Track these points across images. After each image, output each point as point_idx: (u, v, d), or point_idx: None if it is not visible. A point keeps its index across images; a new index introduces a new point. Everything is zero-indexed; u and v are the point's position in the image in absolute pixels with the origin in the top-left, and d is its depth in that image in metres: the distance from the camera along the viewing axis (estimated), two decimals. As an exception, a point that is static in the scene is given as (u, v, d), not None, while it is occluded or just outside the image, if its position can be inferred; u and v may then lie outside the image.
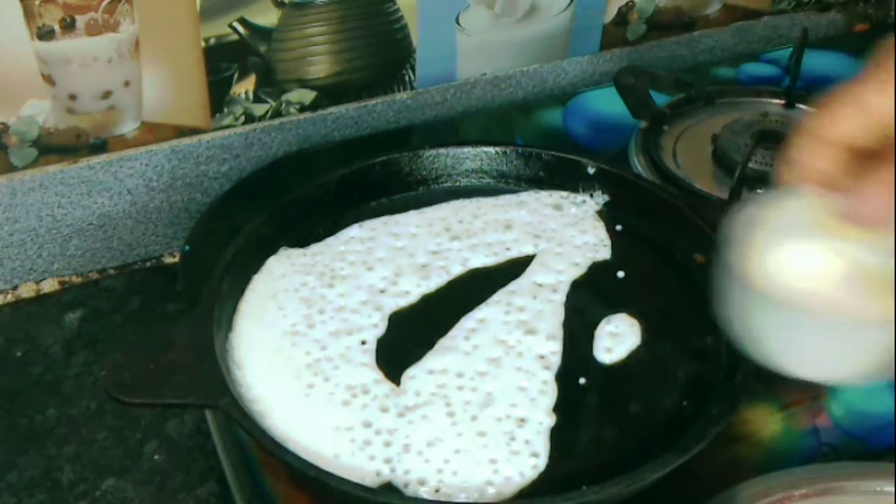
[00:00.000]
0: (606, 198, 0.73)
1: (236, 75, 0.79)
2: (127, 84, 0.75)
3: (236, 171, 0.82)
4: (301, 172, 0.75)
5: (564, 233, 0.70)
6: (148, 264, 0.82)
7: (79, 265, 0.80)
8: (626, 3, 0.91)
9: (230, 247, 0.66)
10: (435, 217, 0.72)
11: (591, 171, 0.73)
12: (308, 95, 0.83)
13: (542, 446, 0.57)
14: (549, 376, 0.61)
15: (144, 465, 0.67)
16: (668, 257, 0.69)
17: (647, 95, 0.84)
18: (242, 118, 0.81)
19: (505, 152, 0.75)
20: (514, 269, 0.68)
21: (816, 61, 0.93)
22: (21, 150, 0.74)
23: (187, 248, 0.71)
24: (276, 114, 0.82)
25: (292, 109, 0.83)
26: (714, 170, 0.82)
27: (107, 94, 0.75)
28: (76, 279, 0.80)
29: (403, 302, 0.65)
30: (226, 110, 0.80)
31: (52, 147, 0.75)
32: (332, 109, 0.84)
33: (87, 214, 0.78)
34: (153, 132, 0.78)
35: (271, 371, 0.61)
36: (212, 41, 0.76)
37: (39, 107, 0.73)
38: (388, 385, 0.60)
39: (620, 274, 0.68)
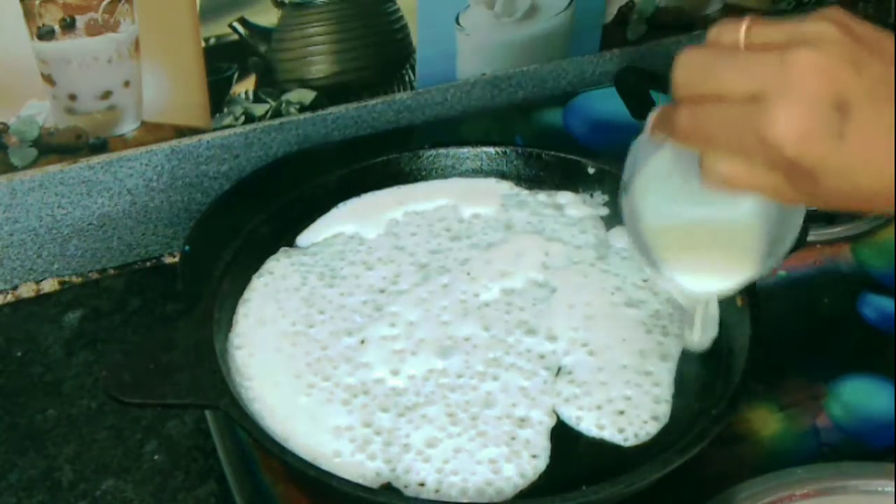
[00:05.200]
0: (606, 198, 0.73)
1: (236, 75, 0.79)
2: (127, 84, 0.75)
3: (236, 171, 0.82)
4: (301, 172, 0.75)
5: (564, 233, 0.70)
6: (148, 264, 0.82)
7: (79, 265, 0.80)
8: (626, 3, 0.91)
9: (230, 247, 0.66)
10: (435, 217, 0.72)
11: (591, 171, 0.73)
12: (308, 95, 0.83)
13: (542, 446, 0.57)
14: (550, 376, 0.61)
15: (144, 465, 0.67)
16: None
17: (647, 95, 0.84)
18: (242, 118, 0.81)
19: (505, 152, 0.75)
20: (515, 269, 0.68)
21: (816, 61, 0.93)
22: (21, 150, 0.74)
23: (187, 248, 0.71)
24: (276, 114, 0.82)
25: (292, 109, 0.83)
26: (714, 170, 0.81)
27: (107, 94, 0.75)
28: (76, 279, 0.80)
29: (404, 301, 0.65)
30: (226, 110, 0.80)
31: (52, 147, 0.75)
32: (332, 109, 0.84)
33: (87, 214, 0.78)
34: (153, 132, 0.78)
35: (271, 371, 0.61)
36: (212, 41, 0.76)
37: (39, 107, 0.73)
38: (388, 385, 0.60)
39: (620, 274, 0.68)
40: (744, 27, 0.46)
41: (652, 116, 0.50)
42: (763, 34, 0.46)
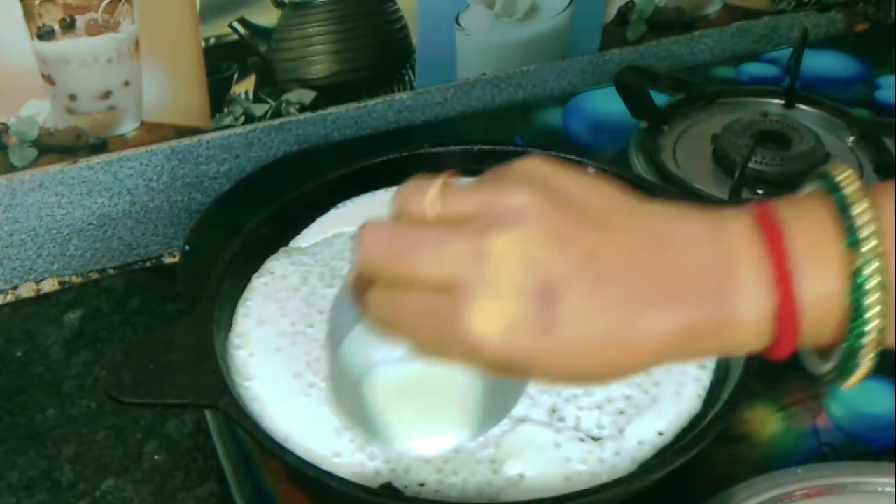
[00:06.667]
0: (606, 198, 0.73)
1: (236, 75, 0.79)
2: (127, 84, 0.75)
3: (236, 171, 0.82)
4: (301, 172, 0.75)
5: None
6: (148, 264, 0.82)
7: (79, 265, 0.80)
8: (626, 3, 0.91)
9: (230, 247, 0.66)
10: (435, 217, 0.72)
11: (591, 171, 0.73)
12: (308, 95, 0.83)
13: (542, 446, 0.57)
14: (549, 376, 0.60)
15: (144, 465, 0.67)
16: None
17: (647, 95, 0.84)
18: (242, 118, 0.81)
19: (504, 152, 0.74)
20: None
21: (816, 61, 0.93)
22: (21, 150, 0.74)
23: (187, 248, 0.71)
24: (276, 114, 0.82)
25: (292, 109, 0.83)
26: (714, 170, 0.82)
27: (107, 94, 0.75)
28: (76, 279, 0.80)
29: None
30: (226, 110, 0.80)
31: (52, 147, 0.75)
32: (332, 109, 0.84)
33: (87, 214, 0.78)
34: (153, 132, 0.78)
35: (271, 371, 0.61)
36: (212, 41, 0.76)
37: (39, 107, 0.73)
38: (387, 385, 0.60)
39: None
40: (431, 196, 0.40)
41: (351, 276, 0.45)
42: (456, 204, 0.40)
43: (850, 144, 0.83)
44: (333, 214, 0.72)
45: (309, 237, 0.70)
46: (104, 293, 0.79)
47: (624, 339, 0.39)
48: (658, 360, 0.40)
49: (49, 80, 0.72)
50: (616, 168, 0.73)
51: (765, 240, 0.39)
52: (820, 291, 0.38)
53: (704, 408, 0.58)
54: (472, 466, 0.55)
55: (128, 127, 0.77)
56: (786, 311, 0.38)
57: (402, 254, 0.40)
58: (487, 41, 0.87)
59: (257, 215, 0.69)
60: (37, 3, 0.69)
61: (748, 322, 0.39)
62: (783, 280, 0.38)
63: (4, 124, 0.73)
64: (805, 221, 0.39)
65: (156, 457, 0.67)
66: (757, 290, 0.38)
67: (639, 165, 0.81)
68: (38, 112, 0.73)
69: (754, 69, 0.95)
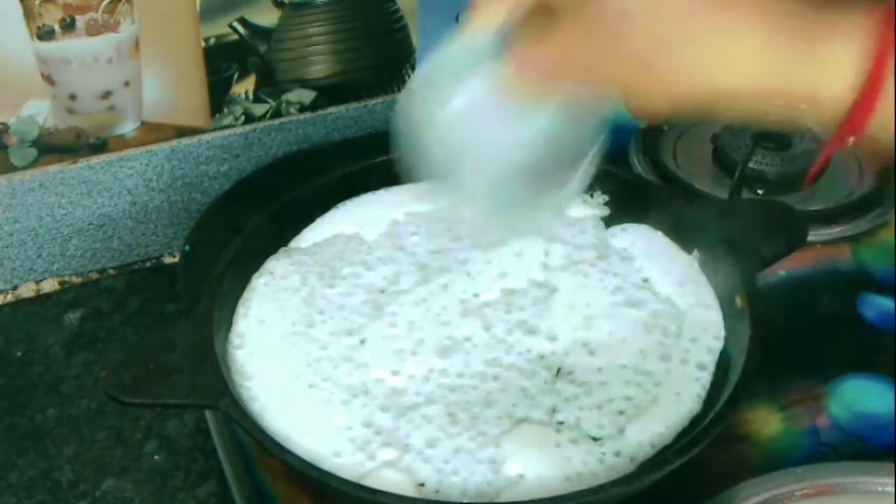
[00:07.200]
0: (606, 198, 0.73)
1: (236, 75, 0.79)
2: (127, 84, 0.75)
3: (236, 171, 0.82)
4: (301, 172, 0.75)
5: (564, 233, 0.70)
6: (148, 264, 0.82)
7: (79, 265, 0.80)
8: (626, 3, 0.91)
9: (230, 247, 0.66)
10: (435, 217, 0.72)
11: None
12: (308, 95, 0.83)
13: (542, 446, 0.57)
14: (550, 376, 0.61)
15: (144, 465, 0.67)
16: (668, 257, 0.69)
17: (647, 95, 0.84)
18: (242, 118, 0.81)
19: (505, 152, 0.74)
20: (515, 269, 0.68)
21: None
22: (21, 150, 0.74)
23: (187, 248, 0.71)
24: (276, 114, 0.82)
25: (292, 109, 0.83)
26: (714, 170, 0.82)
27: (107, 94, 0.75)
28: (76, 279, 0.80)
29: (404, 301, 0.65)
30: (226, 110, 0.80)
31: (52, 147, 0.75)
32: (332, 109, 0.84)
33: (87, 214, 0.78)
34: (153, 132, 0.78)
35: (271, 371, 0.61)
36: (212, 41, 0.76)
37: (39, 107, 0.73)
38: (388, 385, 0.60)
39: (620, 274, 0.68)
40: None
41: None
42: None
43: (850, 144, 0.83)
44: (333, 214, 0.72)
45: (309, 237, 0.70)
46: (104, 293, 0.79)
47: (714, 18, 0.42)
48: (742, 68, 0.43)
49: (49, 80, 0.73)
50: (616, 168, 0.74)
51: (876, 22, 0.41)
52: None
53: (704, 408, 0.58)
54: (472, 466, 0.56)
55: (128, 127, 0.77)
56: (874, 76, 0.41)
57: None
58: (487, 41, 0.87)
59: (257, 215, 0.69)
60: (37, 3, 0.69)
61: (834, 73, 0.42)
62: (882, 52, 0.41)
63: (4, 124, 0.73)
64: None
65: (156, 457, 0.67)
66: (850, 52, 0.42)
67: (639, 165, 0.81)
68: (38, 112, 0.73)
69: (754, 69, 0.95)
